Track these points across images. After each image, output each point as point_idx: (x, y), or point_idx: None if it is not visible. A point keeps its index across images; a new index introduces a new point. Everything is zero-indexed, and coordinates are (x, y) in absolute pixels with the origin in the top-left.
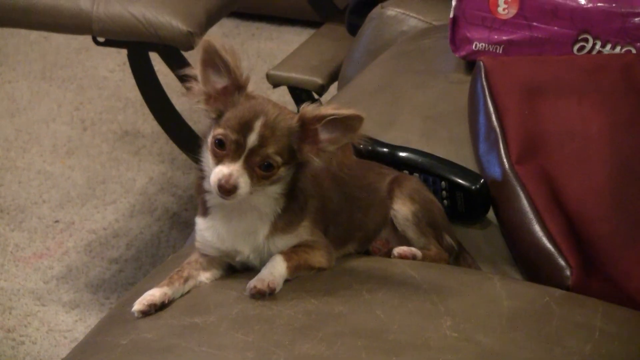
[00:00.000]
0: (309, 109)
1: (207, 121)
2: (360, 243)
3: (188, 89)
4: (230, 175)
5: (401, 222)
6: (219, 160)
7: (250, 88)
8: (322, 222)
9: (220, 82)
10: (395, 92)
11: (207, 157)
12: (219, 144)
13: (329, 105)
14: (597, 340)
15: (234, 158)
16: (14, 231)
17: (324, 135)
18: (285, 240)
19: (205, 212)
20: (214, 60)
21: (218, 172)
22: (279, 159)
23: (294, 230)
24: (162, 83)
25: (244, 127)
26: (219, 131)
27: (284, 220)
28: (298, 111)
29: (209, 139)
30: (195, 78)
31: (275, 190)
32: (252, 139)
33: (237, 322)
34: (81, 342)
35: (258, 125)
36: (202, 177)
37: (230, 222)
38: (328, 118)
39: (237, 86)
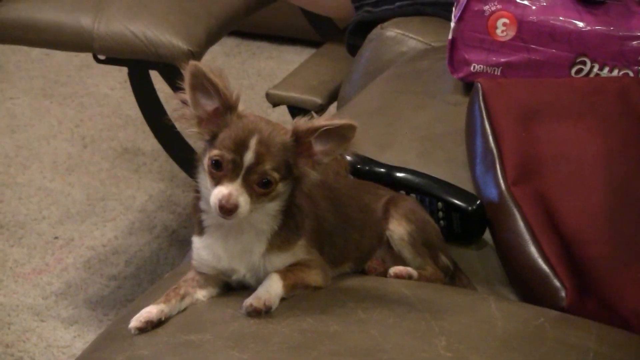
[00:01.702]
0: (301, 122)
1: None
2: (356, 262)
3: (179, 114)
4: (230, 195)
5: (397, 242)
6: (217, 181)
7: (241, 107)
8: (318, 242)
9: (210, 104)
10: (393, 113)
11: (204, 178)
12: (216, 164)
13: (321, 117)
14: None
15: (232, 178)
16: (13, 247)
17: (318, 147)
18: (282, 259)
19: (201, 231)
20: (202, 84)
21: (217, 192)
22: (276, 174)
23: (290, 249)
24: (162, 101)
25: (240, 146)
26: (214, 152)
27: (281, 238)
28: None
29: (205, 161)
30: (185, 102)
31: (273, 207)
32: (249, 157)
33: (232, 340)
34: (78, 358)
35: (253, 143)
36: (198, 197)
37: (227, 241)
38: (321, 129)
39: (228, 107)
